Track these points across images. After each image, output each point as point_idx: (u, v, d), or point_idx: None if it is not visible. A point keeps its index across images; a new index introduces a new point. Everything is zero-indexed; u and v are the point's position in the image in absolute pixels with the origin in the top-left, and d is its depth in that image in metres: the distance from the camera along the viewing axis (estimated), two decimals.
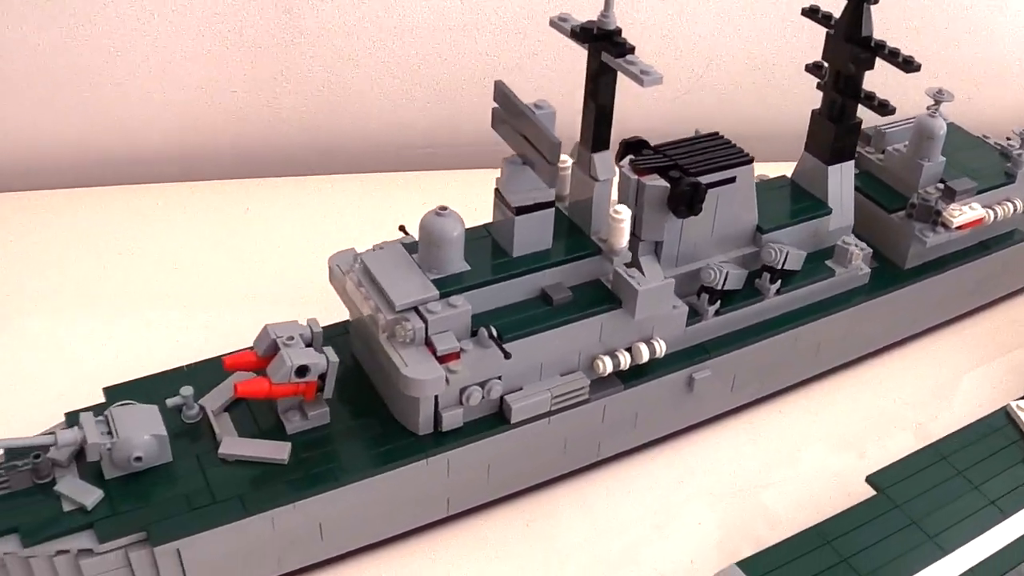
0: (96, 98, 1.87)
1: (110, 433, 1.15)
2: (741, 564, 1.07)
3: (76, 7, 1.77)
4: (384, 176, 1.95)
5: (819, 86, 1.41)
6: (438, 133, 2.03)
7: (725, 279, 1.30)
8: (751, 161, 1.31)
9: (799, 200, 1.43)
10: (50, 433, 1.15)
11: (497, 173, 1.25)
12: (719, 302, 1.32)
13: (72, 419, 1.18)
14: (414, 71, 1.96)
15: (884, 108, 1.36)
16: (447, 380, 1.13)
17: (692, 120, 1.50)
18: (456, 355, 1.15)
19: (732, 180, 1.30)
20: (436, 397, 1.17)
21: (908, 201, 1.45)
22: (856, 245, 1.40)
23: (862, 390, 1.51)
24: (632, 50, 1.19)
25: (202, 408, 1.23)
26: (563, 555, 1.25)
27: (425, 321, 1.15)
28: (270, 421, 1.22)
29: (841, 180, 1.42)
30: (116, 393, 1.23)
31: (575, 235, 1.27)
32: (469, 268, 1.21)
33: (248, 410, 1.24)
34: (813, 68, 1.44)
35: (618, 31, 1.20)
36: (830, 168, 1.41)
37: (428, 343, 1.15)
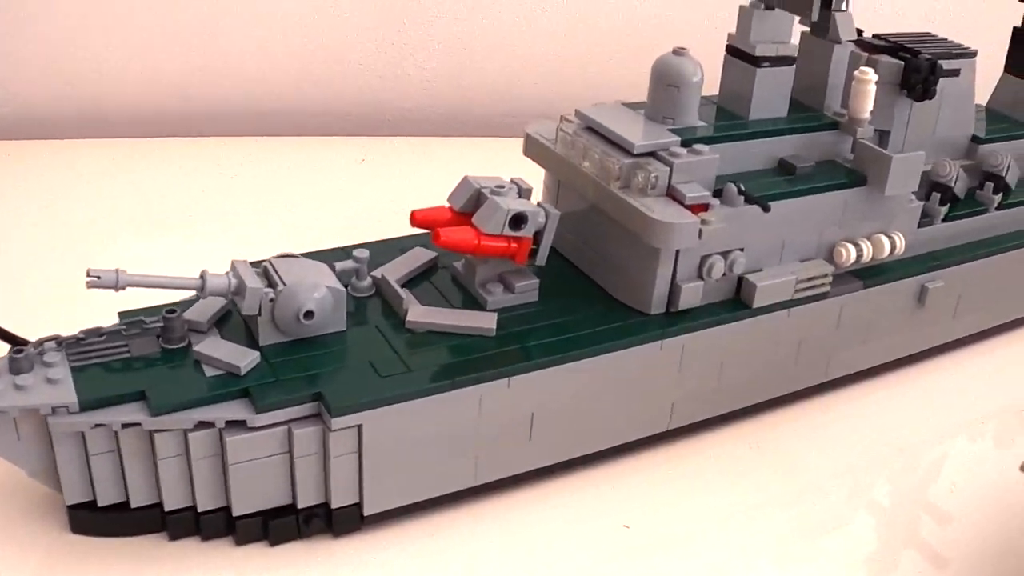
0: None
1: (272, 284, 0.91)
2: None
3: None
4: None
5: None
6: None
7: (957, 177, 1.16)
8: (974, 55, 1.19)
9: (999, 121, 1.31)
10: (197, 279, 0.89)
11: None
12: (949, 205, 1.17)
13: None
14: None
15: None
16: (700, 233, 0.94)
17: None
18: (705, 207, 0.96)
19: (956, 72, 1.17)
20: (675, 267, 0.97)
21: None
22: None
23: None
24: None
25: (375, 281, 1.00)
26: (800, 483, 1.03)
27: (669, 166, 0.96)
28: (459, 299, 0.99)
29: None
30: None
31: (807, 111, 1.11)
32: (704, 124, 1.03)
33: (432, 286, 1.01)
34: None
35: None
36: None
37: (671, 192, 0.97)
